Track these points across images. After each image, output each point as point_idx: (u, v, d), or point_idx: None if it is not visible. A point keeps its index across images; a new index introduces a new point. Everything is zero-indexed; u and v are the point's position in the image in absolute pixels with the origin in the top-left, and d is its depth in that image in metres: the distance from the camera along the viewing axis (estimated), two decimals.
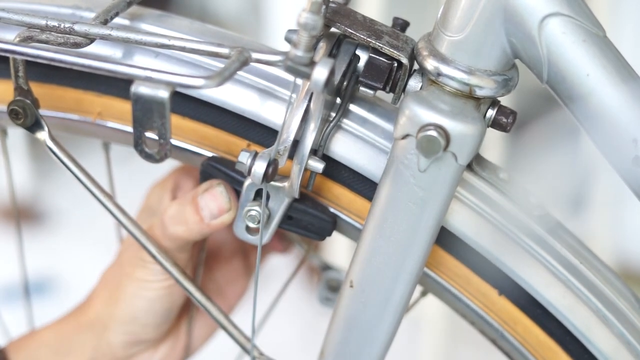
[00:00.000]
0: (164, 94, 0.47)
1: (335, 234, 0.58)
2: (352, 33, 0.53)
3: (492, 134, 0.59)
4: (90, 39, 0.53)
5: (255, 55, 0.50)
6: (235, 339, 0.59)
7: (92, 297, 0.63)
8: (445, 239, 0.56)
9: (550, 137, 2.06)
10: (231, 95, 0.56)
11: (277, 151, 0.53)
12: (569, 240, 0.58)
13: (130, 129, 0.58)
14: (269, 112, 0.56)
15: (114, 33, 0.52)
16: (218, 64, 0.55)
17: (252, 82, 0.56)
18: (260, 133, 0.56)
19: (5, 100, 0.55)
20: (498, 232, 0.55)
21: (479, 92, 0.51)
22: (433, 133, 0.49)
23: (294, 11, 0.48)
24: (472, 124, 0.49)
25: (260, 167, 0.52)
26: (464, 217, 0.55)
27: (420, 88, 0.53)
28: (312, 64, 0.47)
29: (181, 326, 0.66)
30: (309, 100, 0.53)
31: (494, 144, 1.70)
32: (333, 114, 0.55)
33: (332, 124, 0.55)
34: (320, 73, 0.46)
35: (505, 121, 0.53)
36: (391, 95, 0.55)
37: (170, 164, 0.59)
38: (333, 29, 0.54)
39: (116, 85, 0.57)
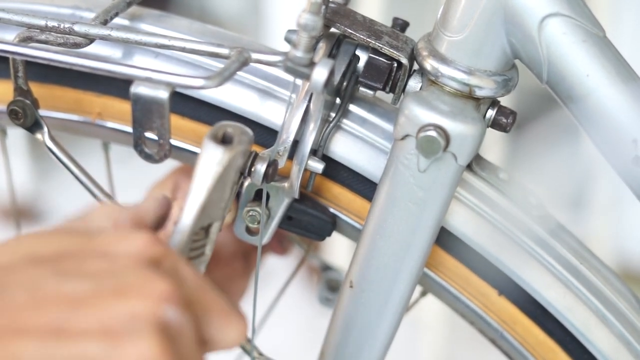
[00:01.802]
0: (163, 94, 0.47)
1: (335, 234, 0.58)
2: (351, 33, 0.53)
3: (492, 134, 0.59)
4: (90, 39, 0.53)
5: (255, 56, 0.50)
6: None
7: None
8: (445, 239, 0.56)
9: (550, 137, 2.06)
10: (231, 96, 0.56)
11: (276, 151, 0.53)
12: (568, 241, 0.58)
13: (130, 129, 0.58)
14: (268, 112, 0.56)
15: (114, 33, 0.52)
16: (218, 64, 0.55)
17: (252, 83, 0.56)
18: (260, 133, 0.56)
19: (5, 100, 0.55)
20: (498, 232, 0.55)
21: (479, 93, 0.51)
22: (433, 133, 0.49)
23: (294, 11, 0.48)
24: (472, 125, 0.49)
25: (260, 168, 0.52)
26: (464, 217, 0.55)
27: (420, 88, 0.53)
28: (311, 64, 0.47)
29: None
30: (309, 101, 0.53)
31: (494, 144, 1.70)
32: (333, 114, 0.55)
33: (331, 124, 0.55)
34: (320, 74, 0.46)
35: (505, 121, 0.53)
36: (391, 95, 0.55)
37: (170, 164, 0.58)
38: (333, 29, 0.54)
39: (116, 85, 0.57)
